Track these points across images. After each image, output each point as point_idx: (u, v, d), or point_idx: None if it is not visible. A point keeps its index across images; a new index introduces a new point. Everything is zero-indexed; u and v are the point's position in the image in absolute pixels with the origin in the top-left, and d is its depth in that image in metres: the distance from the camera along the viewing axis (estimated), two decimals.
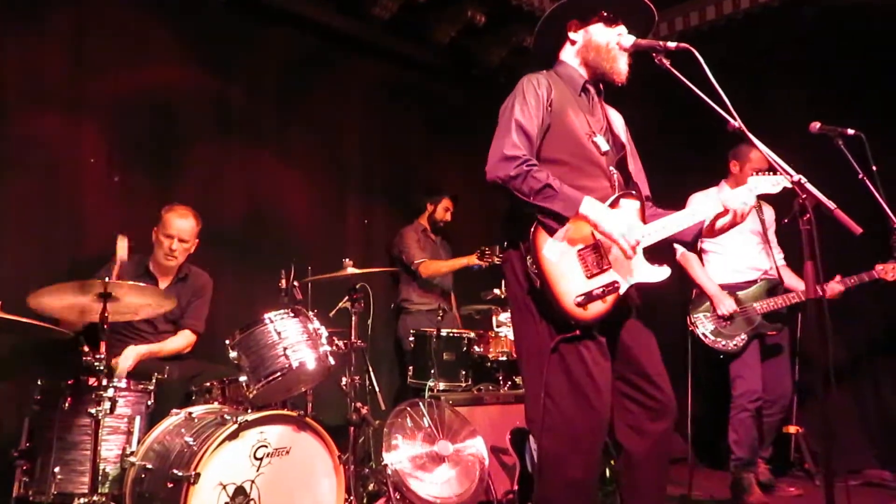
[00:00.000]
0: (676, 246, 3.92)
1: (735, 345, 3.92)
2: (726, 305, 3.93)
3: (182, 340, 3.63)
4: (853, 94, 4.44)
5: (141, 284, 2.95)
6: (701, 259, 4.15)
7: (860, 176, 2.84)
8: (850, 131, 2.97)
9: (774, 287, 3.99)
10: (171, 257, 3.57)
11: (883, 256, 3.71)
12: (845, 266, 3.85)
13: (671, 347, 5.18)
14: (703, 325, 4.00)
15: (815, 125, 2.97)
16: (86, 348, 2.79)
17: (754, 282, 4.02)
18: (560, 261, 2.25)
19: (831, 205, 1.98)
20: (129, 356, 3.29)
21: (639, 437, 2.33)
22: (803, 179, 2.00)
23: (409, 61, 5.51)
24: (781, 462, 4.42)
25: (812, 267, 1.94)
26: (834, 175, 2.78)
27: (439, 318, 4.24)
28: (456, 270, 4.87)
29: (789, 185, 2.03)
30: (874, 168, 2.87)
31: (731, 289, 4.00)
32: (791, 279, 4.07)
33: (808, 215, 1.94)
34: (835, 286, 3.86)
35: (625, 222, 2.26)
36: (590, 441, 2.24)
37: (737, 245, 4.05)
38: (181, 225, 3.57)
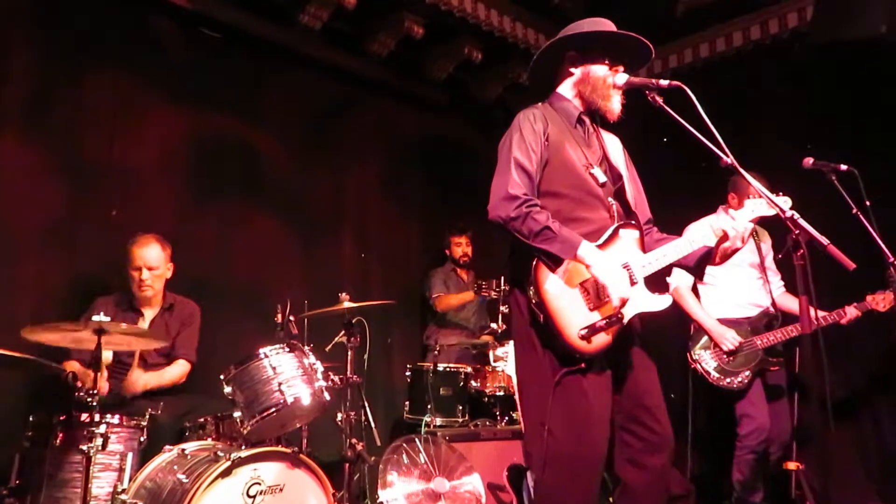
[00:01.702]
0: (669, 280, 3.97)
1: (740, 381, 3.82)
2: (729, 340, 3.84)
3: (179, 370, 3.61)
4: (846, 131, 4.49)
5: (134, 326, 2.96)
6: (697, 294, 4.11)
7: (854, 211, 2.85)
8: (843, 167, 3.00)
9: (772, 321, 3.93)
10: (145, 287, 3.55)
11: (877, 288, 3.71)
12: (840, 300, 3.85)
13: (669, 380, 5.19)
14: (706, 362, 3.91)
15: (809, 161, 3.00)
16: (78, 383, 2.78)
17: (752, 316, 3.96)
18: (562, 294, 2.27)
19: (825, 240, 1.99)
20: (140, 378, 3.31)
21: (637, 470, 2.33)
22: (796, 215, 2.02)
23: (406, 96, 5.57)
24: (782, 499, 4.36)
25: (806, 302, 1.94)
26: (828, 210, 2.81)
27: (436, 353, 4.24)
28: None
29: (770, 214, 2.04)
30: (867, 203, 2.89)
31: (730, 324, 3.94)
32: (794, 305, 3.96)
33: (801, 251, 1.95)
34: (852, 311, 3.79)
35: (619, 270, 2.29)
36: (589, 475, 2.24)
37: (733, 279, 4.00)
38: (145, 254, 3.55)
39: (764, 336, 3.88)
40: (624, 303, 2.25)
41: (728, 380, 3.86)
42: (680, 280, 4.00)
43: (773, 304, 3.98)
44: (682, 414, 3.95)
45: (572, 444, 2.22)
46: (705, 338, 3.96)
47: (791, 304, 4.03)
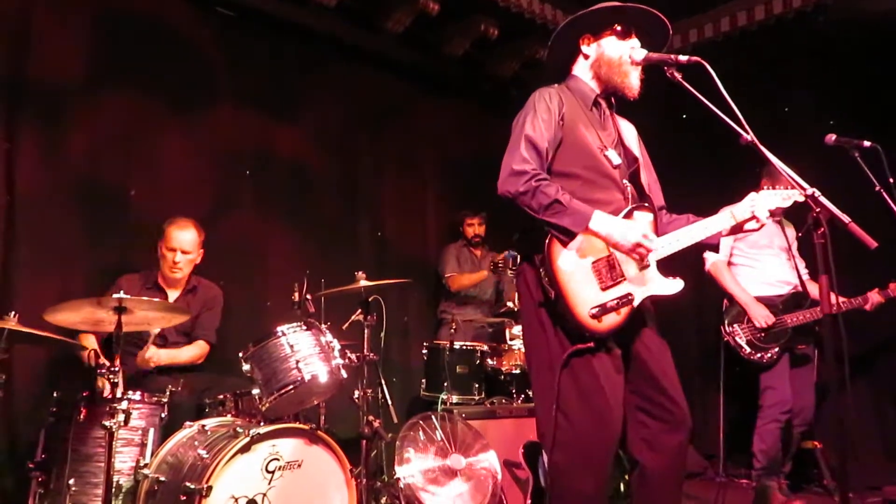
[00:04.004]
0: (706, 256, 4.01)
1: (770, 357, 3.95)
2: (763, 316, 3.95)
3: (197, 350, 3.66)
4: (869, 106, 4.41)
5: (154, 300, 2.98)
6: (730, 270, 4.18)
7: (877, 188, 2.80)
8: (867, 143, 2.93)
9: (802, 300, 4.01)
10: (176, 269, 3.60)
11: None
12: (862, 279, 3.81)
13: (699, 354, 5.18)
14: (739, 335, 4.02)
15: (831, 137, 2.94)
16: (101, 360, 2.82)
17: (783, 295, 4.05)
18: (575, 272, 2.25)
19: (846, 218, 1.96)
20: (156, 353, 3.36)
21: (653, 451, 2.32)
22: (817, 193, 1.99)
23: (422, 74, 5.54)
24: (801, 478, 4.36)
25: (826, 281, 1.91)
26: (850, 188, 2.76)
27: (452, 330, 4.26)
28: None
29: (800, 199, 2.01)
30: (891, 180, 2.84)
31: (761, 301, 4.03)
32: (815, 291, 4.02)
33: (822, 229, 1.93)
34: (875, 297, 3.91)
35: (639, 227, 2.27)
36: (601, 455, 2.23)
37: (766, 259, 4.11)
38: (183, 237, 3.60)
39: (794, 315, 3.96)
40: (650, 251, 2.24)
41: (759, 354, 3.98)
42: (717, 256, 4.08)
43: (802, 283, 4.03)
44: (714, 386, 4.01)
45: (583, 424, 2.21)
46: (738, 311, 4.06)
47: (814, 290, 4.06)
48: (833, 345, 1.96)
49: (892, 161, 2.92)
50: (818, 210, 1.95)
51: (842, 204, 2.03)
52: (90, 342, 3.43)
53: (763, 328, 3.94)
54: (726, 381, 4.01)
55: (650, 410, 2.34)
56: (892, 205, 2.70)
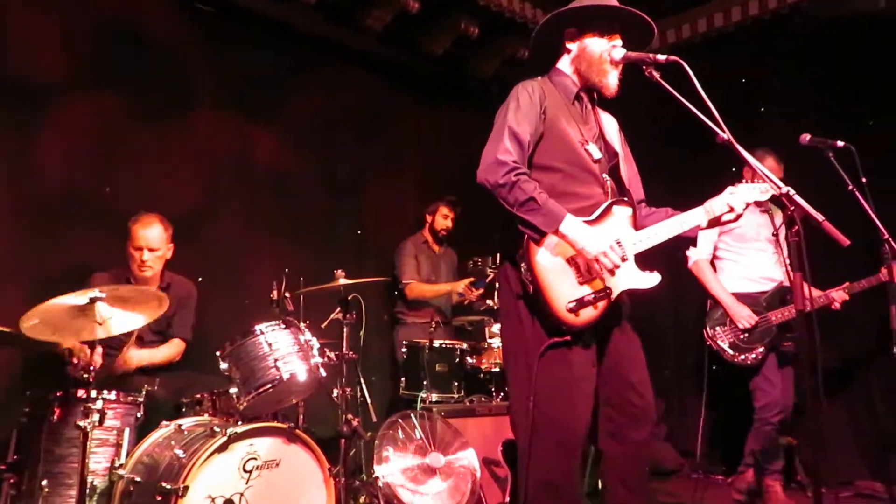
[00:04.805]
0: (689, 254, 4.02)
1: (754, 358, 3.88)
2: (745, 318, 3.88)
3: (173, 349, 3.62)
4: (843, 106, 4.47)
5: (127, 285, 2.94)
6: (714, 267, 4.14)
7: (849, 187, 2.85)
8: (840, 143, 2.98)
9: (787, 295, 3.93)
10: (144, 268, 3.53)
11: (869, 265, 3.72)
12: (835, 276, 3.86)
13: (677, 349, 5.20)
14: (721, 338, 3.96)
15: (805, 137, 2.98)
16: (74, 359, 2.78)
17: (767, 291, 3.99)
18: (553, 267, 2.28)
19: (819, 217, 2.00)
20: (134, 355, 3.32)
21: (619, 443, 2.40)
22: (792, 191, 2.02)
23: (402, 72, 5.52)
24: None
25: (800, 278, 1.94)
26: (824, 187, 2.80)
27: (432, 329, 4.24)
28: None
29: (776, 193, 2.05)
30: (864, 180, 2.89)
31: (745, 298, 3.97)
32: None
33: (796, 227, 1.95)
34: (841, 294, 3.85)
35: (608, 237, 2.30)
36: (571, 446, 2.29)
37: (752, 253, 4.05)
38: (148, 234, 3.52)
39: (778, 311, 3.91)
40: (617, 266, 2.26)
41: (742, 356, 3.92)
42: (699, 254, 4.06)
43: (788, 276, 3.98)
44: (698, 386, 4.01)
45: (557, 415, 2.26)
46: (721, 314, 3.99)
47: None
48: (808, 341, 1.99)
49: (865, 161, 2.97)
50: (792, 208, 1.98)
51: (816, 202, 2.06)
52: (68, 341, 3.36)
53: (746, 329, 3.88)
54: (709, 383, 4.02)
55: (617, 404, 2.40)
56: (865, 204, 2.74)
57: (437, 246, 5.16)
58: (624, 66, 2.45)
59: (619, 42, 2.46)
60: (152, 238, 3.53)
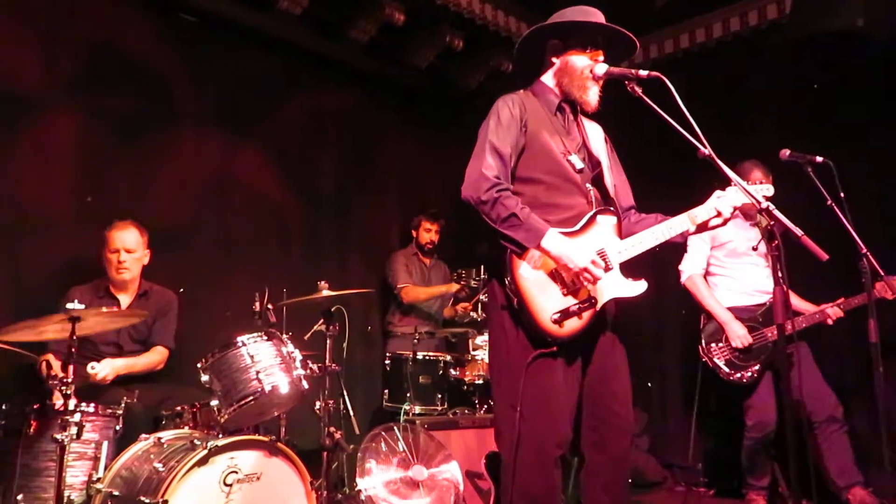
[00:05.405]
0: (682, 269, 4.01)
1: (750, 375, 3.86)
2: (741, 338, 3.86)
3: (155, 356, 3.60)
4: (822, 122, 4.53)
5: (104, 309, 2.92)
6: (707, 282, 4.11)
7: (829, 203, 2.88)
8: (819, 159, 3.02)
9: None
10: (122, 269, 3.54)
11: (851, 280, 3.75)
12: (815, 291, 3.90)
13: (660, 360, 5.19)
14: (717, 356, 3.93)
15: (785, 152, 3.02)
16: (52, 371, 2.74)
17: (762, 305, 3.97)
18: (537, 279, 2.30)
19: (798, 231, 2.02)
20: (106, 366, 3.28)
21: (600, 453, 2.41)
22: (771, 206, 2.04)
23: (386, 84, 5.53)
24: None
25: (780, 293, 1.96)
26: (804, 202, 2.84)
27: (415, 341, 4.23)
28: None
29: (768, 194, 2.07)
30: (842, 195, 2.92)
31: (741, 311, 3.96)
32: (799, 302, 4.02)
33: (776, 241, 1.98)
34: (835, 310, 3.83)
35: (591, 249, 2.31)
36: (553, 456, 2.29)
37: (745, 268, 4.03)
38: (123, 236, 3.55)
39: (773, 328, 3.84)
40: (596, 277, 2.27)
41: (738, 374, 3.90)
42: (693, 269, 4.04)
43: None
44: (687, 399, 3.99)
45: (538, 426, 2.27)
46: (716, 328, 3.97)
47: (797, 301, 4.03)
48: (783, 355, 2.01)
49: (844, 176, 3.01)
50: (772, 223, 2.00)
51: (795, 217, 2.08)
52: (47, 355, 3.32)
53: (742, 348, 3.86)
54: (701, 398, 4.02)
55: (598, 414, 2.40)
56: (843, 218, 2.77)
57: (426, 259, 5.19)
58: (607, 79, 2.48)
59: (601, 58, 2.48)
60: (128, 240, 3.55)
